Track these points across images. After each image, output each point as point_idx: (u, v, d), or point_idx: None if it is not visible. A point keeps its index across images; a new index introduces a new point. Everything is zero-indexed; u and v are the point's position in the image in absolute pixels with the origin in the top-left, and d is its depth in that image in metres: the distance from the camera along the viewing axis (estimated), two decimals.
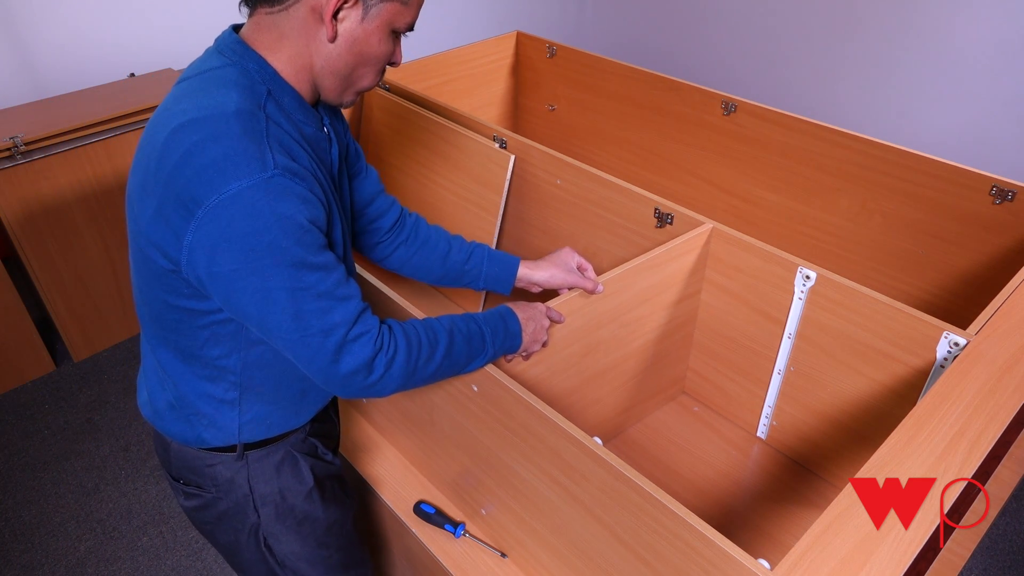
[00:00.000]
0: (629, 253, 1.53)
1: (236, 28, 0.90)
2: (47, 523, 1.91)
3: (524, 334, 1.07)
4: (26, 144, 2.11)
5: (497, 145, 1.76)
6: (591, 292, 1.22)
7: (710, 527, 0.80)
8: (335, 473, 1.18)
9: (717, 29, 3.33)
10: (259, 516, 1.07)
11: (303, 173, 0.83)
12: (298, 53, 0.86)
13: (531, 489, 1.06)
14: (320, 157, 0.92)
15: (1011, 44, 2.49)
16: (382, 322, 0.91)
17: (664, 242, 1.37)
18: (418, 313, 1.13)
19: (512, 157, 1.73)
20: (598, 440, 0.91)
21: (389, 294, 1.18)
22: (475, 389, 1.07)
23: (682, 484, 1.42)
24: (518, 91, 2.57)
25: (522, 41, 2.46)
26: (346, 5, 0.83)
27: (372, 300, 1.23)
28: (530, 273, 1.25)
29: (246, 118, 0.80)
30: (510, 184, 1.77)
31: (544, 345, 1.15)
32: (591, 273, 1.25)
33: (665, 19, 3.52)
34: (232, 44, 0.87)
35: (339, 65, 0.88)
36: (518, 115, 2.62)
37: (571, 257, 1.25)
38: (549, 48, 2.37)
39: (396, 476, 1.38)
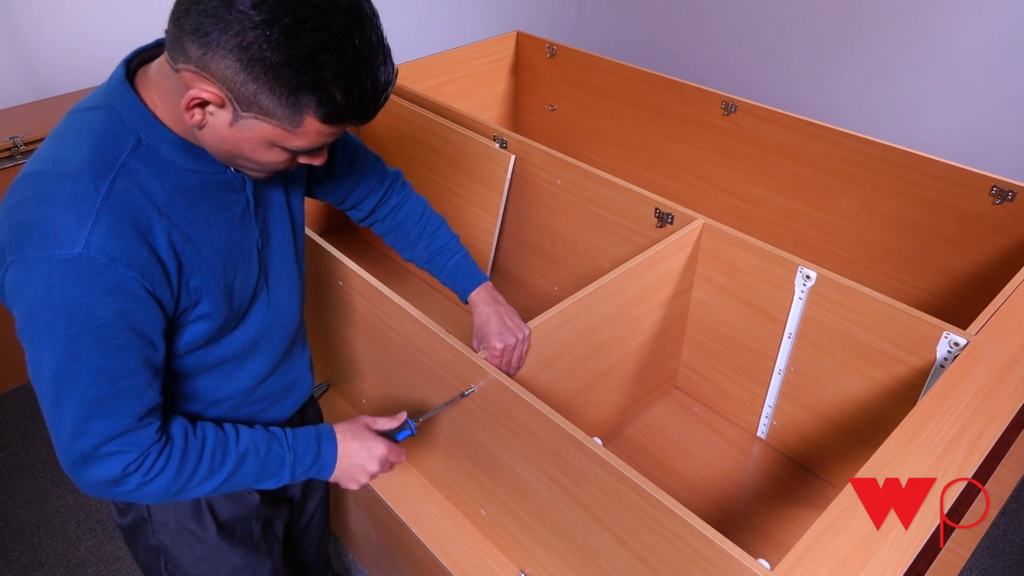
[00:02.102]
0: (629, 253, 1.53)
1: (149, 52, 0.82)
2: (47, 523, 1.91)
3: (338, 466, 0.97)
4: (26, 144, 2.11)
5: (497, 145, 1.76)
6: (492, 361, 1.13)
7: (710, 527, 0.80)
8: (255, 514, 1.07)
9: (717, 29, 3.32)
10: (159, 540, 1.02)
11: (133, 258, 0.73)
12: (182, 115, 0.75)
13: (531, 489, 1.06)
14: (218, 203, 0.85)
15: (1011, 44, 2.49)
16: (164, 439, 0.82)
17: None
18: (416, 312, 1.13)
19: (512, 157, 1.73)
20: (598, 440, 0.91)
21: (388, 294, 1.18)
22: (475, 389, 1.07)
23: (682, 484, 1.42)
24: (518, 91, 2.57)
25: (522, 41, 2.47)
26: (211, 103, 0.72)
27: (371, 299, 1.23)
28: (476, 305, 1.20)
29: (83, 182, 0.72)
30: (510, 184, 1.77)
31: (373, 477, 1.00)
32: (514, 362, 1.16)
33: (665, 19, 3.52)
34: (115, 84, 0.78)
35: (212, 149, 0.78)
36: (518, 115, 2.62)
37: (508, 337, 1.15)
38: (549, 48, 2.37)
39: (396, 476, 1.38)
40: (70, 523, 1.91)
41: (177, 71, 0.72)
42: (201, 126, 0.75)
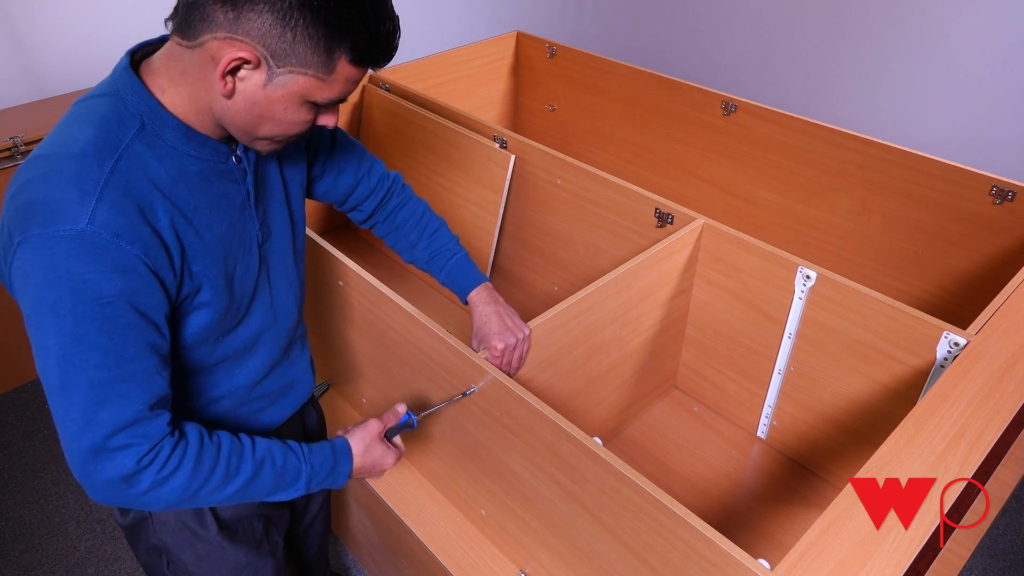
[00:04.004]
0: (629, 253, 1.53)
1: (152, 45, 0.84)
2: (47, 523, 1.91)
3: (353, 476, 0.99)
4: (26, 144, 2.11)
5: (497, 145, 1.76)
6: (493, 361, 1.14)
7: (710, 527, 0.80)
8: (257, 513, 1.07)
9: (717, 29, 3.32)
10: (160, 539, 1.01)
11: (136, 236, 0.73)
12: (197, 95, 0.78)
13: (531, 489, 1.06)
14: (219, 191, 0.85)
15: (1011, 44, 2.49)
16: (177, 435, 0.81)
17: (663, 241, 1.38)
18: (416, 312, 1.13)
19: (512, 157, 1.73)
20: (598, 440, 0.91)
21: (389, 294, 1.18)
22: (475, 390, 1.07)
23: (682, 484, 1.42)
24: (518, 91, 2.57)
25: (522, 41, 2.47)
26: (246, 65, 0.74)
27: (371, 299, 1.23)
28: (476, 306, 1.20)
29: (87, 161, 0.73)
30: (510, 184, 1.77)
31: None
32: (515, 362, 1.17)
33: (665, 19, 3.52)
34: (119, 72, 0.79)
35: (238, 120, 0.79)
36: (518, 115, 2.62)
37: (509, 337, 1.16)
38: (549, 48, 2.37)
39: (395, 476, 1.38)
40: (70, 523, 1.91)
41: (200, 44, 0.74)
42: (231, 95, 0.76)
